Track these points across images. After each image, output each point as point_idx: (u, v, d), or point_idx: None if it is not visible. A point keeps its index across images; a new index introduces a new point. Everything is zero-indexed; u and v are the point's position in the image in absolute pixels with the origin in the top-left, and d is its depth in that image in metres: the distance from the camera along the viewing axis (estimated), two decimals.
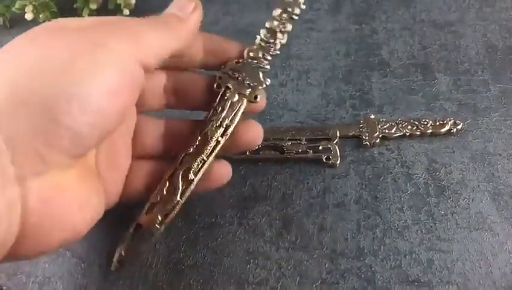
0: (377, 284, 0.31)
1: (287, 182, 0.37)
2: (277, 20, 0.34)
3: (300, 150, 0.36)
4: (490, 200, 0.34)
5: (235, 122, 0.32)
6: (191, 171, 0.31)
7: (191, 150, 0.31)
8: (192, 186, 0.31)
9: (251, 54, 0.33)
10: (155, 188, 0.31)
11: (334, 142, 0.38)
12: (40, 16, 0.51)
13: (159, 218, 0.30)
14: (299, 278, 0.32)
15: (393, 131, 0.38)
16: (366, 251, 0.32)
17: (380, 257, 0.32)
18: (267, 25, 0.34)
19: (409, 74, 0.44)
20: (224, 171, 0.33)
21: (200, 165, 0.31)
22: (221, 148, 0.32)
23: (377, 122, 0.39)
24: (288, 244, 0.33)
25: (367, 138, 0.38)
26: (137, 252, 0.31)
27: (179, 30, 0.29)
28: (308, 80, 0.45)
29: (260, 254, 0.33)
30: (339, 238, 0.33)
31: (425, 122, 0.39)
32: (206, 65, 0.34)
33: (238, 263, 0.33)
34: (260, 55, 0.34)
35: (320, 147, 0.38)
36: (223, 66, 0.33)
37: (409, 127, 0.38)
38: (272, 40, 0.34)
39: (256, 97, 0.32)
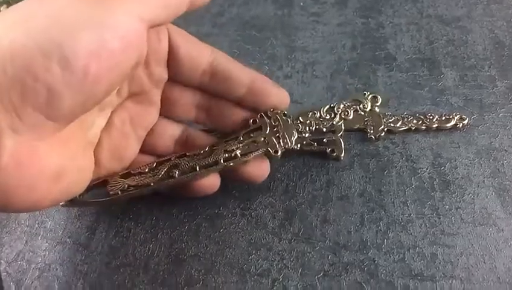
0: (380, 277, 0.31)
1: (290, 174, 0.37)
2: (342, 107, 0.37)
3: (304, 142, 0.36)
4: (495, 196, 0.34)
5: (243, 160, 0.32)
6: (178, 169, 0.31)
7: (191, 153, 0.32)
8: (171, 182, 0.31)
9: (300, 118, 0.36)
10: None
11: (339, 134, 0.37)
12: None
13: (125, 185, 0.31)
14: (301, 269, 0.31)
15: (398, 125, 0.38)
16: (369, 244, 0.32)
17: (384, 250, 0.32)
18: (333, 105, 0.37)
19: (415, 69, 0.43)
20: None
21: (188, 170, 0.32)
22: (222, 170, 0.32)
23: (382, 116, 0.39)
24: (290, 236, 0.33)
25: (372, 131, 0.38)
26: (83, 202, 0.32)
27: None
28: (314, 73, 0.44)
29: (262, 245, 0.33)
30: (342, 230, 0.33)
31: (431, 117, 0.38)
32: (243, 102, 0.33)
33: (240, 253, 0.32)
34: (307, 121, 0.36)
35: (325, 140, 0.37)
36: (271, 110, 0.34)
37: (415, 121, 0.38)
38: (327, 117, 0.37)
39: (276, 152, 0.33)
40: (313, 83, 0.43)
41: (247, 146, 0.32)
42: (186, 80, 0.32)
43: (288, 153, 0.34)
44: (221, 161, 0.32)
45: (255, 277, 0.31)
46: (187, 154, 0.32)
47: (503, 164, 0.36)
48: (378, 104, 0.39)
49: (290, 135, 0.34)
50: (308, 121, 0.36)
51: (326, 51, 0.46)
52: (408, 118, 0.38)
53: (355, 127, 0.38)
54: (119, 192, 0.31)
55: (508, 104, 0.40)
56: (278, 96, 0.34)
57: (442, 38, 0.46)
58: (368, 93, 0.39)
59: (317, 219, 0.34)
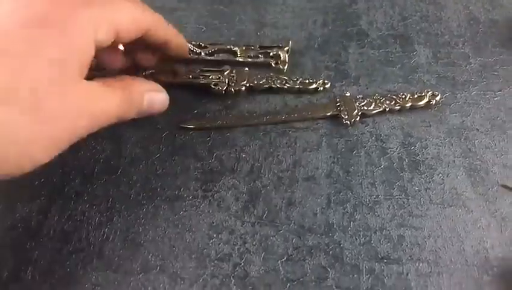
0: (345, 261, 0.29)
1: (255, 154, 0.35)
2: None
3: (252, 55, 0.40)
4: (465, 176, 0.33)
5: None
6: None
7: None
8: None
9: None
10: None
11: (285, 49, 0.41)
12: None
13: None
14: (264, 254, 0.30)
15: (372, 108, 0.37)
16: (335, 226, 0.31)
17: (350, 233, 0.31)
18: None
19: (388, 45, 0.42)
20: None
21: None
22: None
23: (354, 100, 0.37)
24: (254, 219, 0.32)
25: (346, 116, 0.36)
26: None
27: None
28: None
29: (224, 229, 0.31)
30: (307, 213, 0.32)
31: (404, 96, 0.37)
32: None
33: (200, 237, 0.31)
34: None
35: (271, 54, 0.41)
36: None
37: (388, 102, 0.37)
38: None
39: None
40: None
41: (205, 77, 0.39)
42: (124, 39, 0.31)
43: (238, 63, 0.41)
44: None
45: (215, 261, 0.30)
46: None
47: (474, 143, 0.35)
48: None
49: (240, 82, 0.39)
50: (263, 80, 0.39)
51: (297, 27, 0.44)
52: (380, 100, 0.37)
53: (329, 114, 0.37)
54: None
55: (481, 82, 0.38)
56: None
57: (415, 15, 0.44)
58: None
59: (282, 201, 0.32)
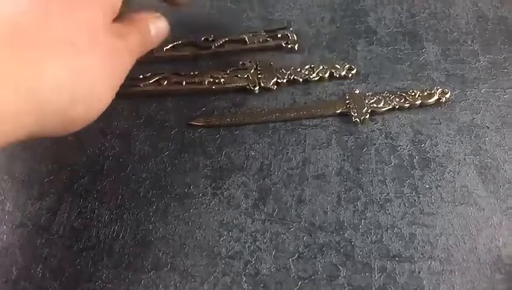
0: (356, 259, 0.29)
1: (265, 152, 0.35)
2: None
3: (261, 40, 0.41)
4: (476, 174, 0.33)
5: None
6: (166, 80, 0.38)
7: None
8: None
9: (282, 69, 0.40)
10: None
11: (290, 29, 0.42)
12: None
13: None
14: (275, 251, 0.30)
15: (381, 105, 0.36)
16: (346, 224, 0.31)
17: (361, 231, 0.30)
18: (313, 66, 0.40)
19: (396, 43, 0.42)
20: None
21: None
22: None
23: (363, 97, 0.37)
24: (264, 217, 0.31)
25: (356, 114, 0.36)
26: None
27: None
28: (291, 46, 0.42)
29: (234, 226, 0.31)
30: (318, 211, 0.32)
31: (413, 93, 0.37)
32: None
33: (211, 235, 0.31)
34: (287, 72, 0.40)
35: (279, 35, 0.41)
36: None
37: (397, 99, 0.37)
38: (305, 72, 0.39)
39: (255, 86, 0.39)
40: (290, 58, 0.41)
41: (231, 78, 0.39)
42: None
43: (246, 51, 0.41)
44: (206, 82, 0.38)
45: (226, 259, 0.30)
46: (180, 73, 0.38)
47: (484, 141, 0.35)
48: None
49: (270, 78, 0.39)
50: (289, 72, 0.39)
51: (305, 24, 0.44)
52: (390, 97, 0.37)
53: (338, 111, 0.37)
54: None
55: (490, 79, 0.38)
56: None
57: (424, 12, 0.44)
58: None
59: (292, 199, 0.32)
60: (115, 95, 0.27)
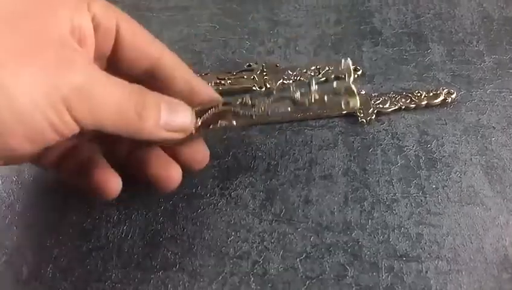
0: (364, 258, 0.29)
1: (271, 152, 0.35)
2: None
3: (313, 101, 0.30)
4: (482, 174, 0.33)
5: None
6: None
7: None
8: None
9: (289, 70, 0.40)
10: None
11: (350, 80, 0.30)
12: None
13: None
14: (282, 251, 0.30)
15: (387, 106, 0.37)
16: (353, 224, 0.31)
17: (368, 231, 0.31)
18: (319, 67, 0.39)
19: (402, 43, 0.42)
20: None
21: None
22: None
23: (369, 98, 0.37)
24: (271, 217, 0.32)
25: (362, 115, 0.36)
26: None
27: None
28: (297, 48, 0.42)
29: (242, 227, 0.31)
30: (325, 211, 0.32)
31: (419, 94, 0.37)
32: (174, 94, 0.29)
33: (219, 235, 0.31)
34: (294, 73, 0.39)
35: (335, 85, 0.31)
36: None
37: (403, 100, 0.37)
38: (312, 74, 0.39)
39: (261, 88, 0.39)
40: (295, 59, 0.42)
41: (237, 79, 0.39)
42: (124, 75, 0.27)
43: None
44: (212, 84, 0.38)
45: (234, 259, 0.30)
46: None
47: (490, 141, 0.35)
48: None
49: (276, 79, 0.39)
50: (295, 73, 0.39)
51: (310, 26, 0.44)
52: (396, 97, 0.37)
53: (344, 112, 0.37)
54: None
55: (496, 79, 0.38)
56: (208, 95, 0.30)
57: (429, 12, 0.44)
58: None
59: (299, 199, 0.32)
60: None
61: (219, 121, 0.29)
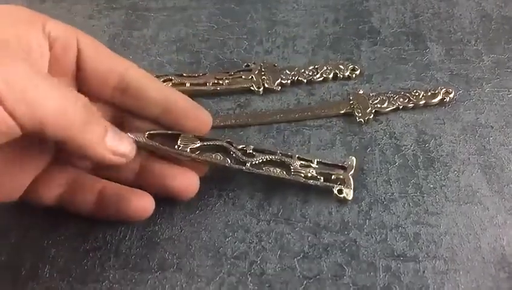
0: (361, 258, 0.29)
1: None
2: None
3: (309, 175, 0.31)
4: (481, 173, 0.33)
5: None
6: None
7: None
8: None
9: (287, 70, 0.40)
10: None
11: (350, 173, 0.32)
12: None
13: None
14: (280, 251, 0.30)
15: (385, 105, 0.37)
16: (350, 224, 0.31)
17: (365, 230, 0.31)
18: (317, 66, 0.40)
19: (400, 43, 0.42)
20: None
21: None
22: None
23: (367, 98, 0.37)
24: (269, 217, 0.32)
25: (360, 114, 0.36)
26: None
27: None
28: (295, 48, 0.43)
29: (240, 227, 0.31)
30: (322, 211, 0.32)
31: (417, 94, 0.37)
32: (159, 121, 0.31)
33: (217, 236, 0.31)
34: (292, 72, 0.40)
35: (333, 177, 0.32)
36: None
37: (401, 99, 0.37)
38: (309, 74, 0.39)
39: (259, 88, 0.39)
40: (294, 59, 0.42)
41: (235, 79, 0.39)
42: (96, 95, 0.29)
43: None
44: (210, 84, 0.38)
45: (232, 259, 0.30)
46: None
47: (488, 140, 0.35)
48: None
49: (275, 79, 0.39)
50: (293, 73, 0.39)
51: (308, 25, 0.44)
52: (394, 97, 0.37)
53: (342, 112, 0.37)
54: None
55: (494, 79, 0.38)
56: (197, 119, 0.31)
57: (427, 12, 0.44)
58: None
59: (297, 199, 0.32)
60: None
61: (214, 154, 0.31)
